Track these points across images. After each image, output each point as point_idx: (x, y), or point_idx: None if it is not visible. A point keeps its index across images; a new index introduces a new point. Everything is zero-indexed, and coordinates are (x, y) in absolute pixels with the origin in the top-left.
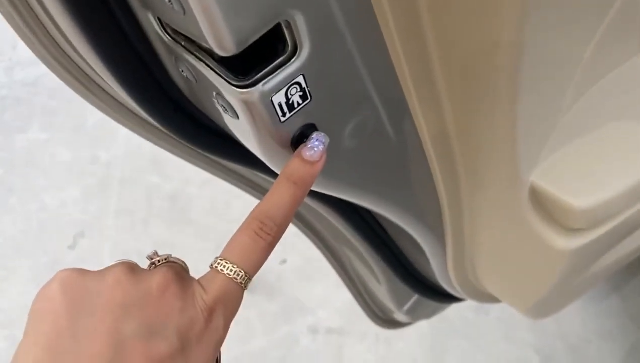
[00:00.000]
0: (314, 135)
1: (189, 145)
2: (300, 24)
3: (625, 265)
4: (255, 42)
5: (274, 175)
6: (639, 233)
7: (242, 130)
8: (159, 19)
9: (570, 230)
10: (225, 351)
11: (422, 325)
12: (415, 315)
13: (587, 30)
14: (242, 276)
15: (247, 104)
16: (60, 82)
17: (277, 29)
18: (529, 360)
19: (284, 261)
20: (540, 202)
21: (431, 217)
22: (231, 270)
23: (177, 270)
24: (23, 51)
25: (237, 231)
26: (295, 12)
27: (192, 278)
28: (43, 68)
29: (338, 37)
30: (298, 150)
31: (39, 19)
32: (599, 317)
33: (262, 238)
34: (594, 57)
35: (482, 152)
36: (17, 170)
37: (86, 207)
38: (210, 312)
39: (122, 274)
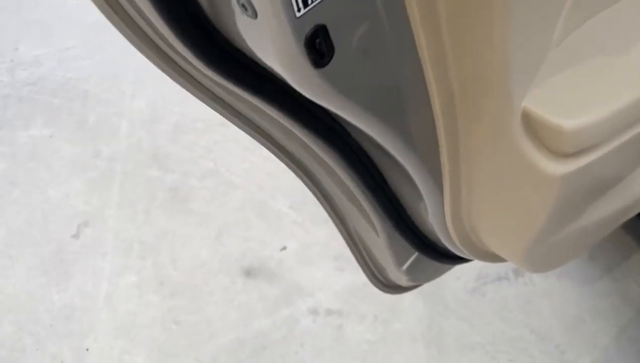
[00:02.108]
0: None
1: (203, 64)
2: None
3: (616, 248)
4: None
5: (276, 105)
6: (623, 188)
7: (260, 32)
8: None
9: (560, 155)
10: (226, 333)
11: (418, 307)
12: (415, 275)
13: None
14: None
15: None
16: (62, 81)
17: None
18: (525, 339)
19: (284, 248)
20: (531, 126)
21: (429, 152)
22: None
23: None
24: (25, 52)
25: None
26: None
27: None
28: (44, 69)
29: None
30: None
31: None
32: (592, 298)
33: None
34: None
35: (477, 76)
36: (21, 164)
37: (89, 199)
38: None
39: None
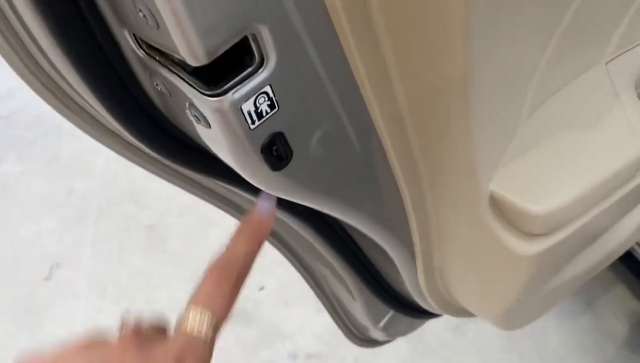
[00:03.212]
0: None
1: (162, 158)
2: (266, 36)
3: (597, 282)
4: (225, 55)
5: (242, 187)
6: (600, 244)
7: (215, 139)
8: (134, 36)
9: (530, 235)
10: None
11: (400, 347)
12: (392, 331)
13: (538, 45)
14: (208, 322)
15: (218, 112)
16: (36, 114)
17: (245, 41)
18: None
19: (261, 288)
20: (500, 209)
21: (400, 227)
22: (197, 320)
23: (141, 336)
24: None
25: (201, 278)
26: (261, 26)
27: (156, 342)
28: (18, 102)
29: (302, 49)
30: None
31: (16, 33)
32: (574, 334)
33: (225, 282)
34: (548, 71)
35: (443, 164)
36: None
37: (62, 238)
38: None
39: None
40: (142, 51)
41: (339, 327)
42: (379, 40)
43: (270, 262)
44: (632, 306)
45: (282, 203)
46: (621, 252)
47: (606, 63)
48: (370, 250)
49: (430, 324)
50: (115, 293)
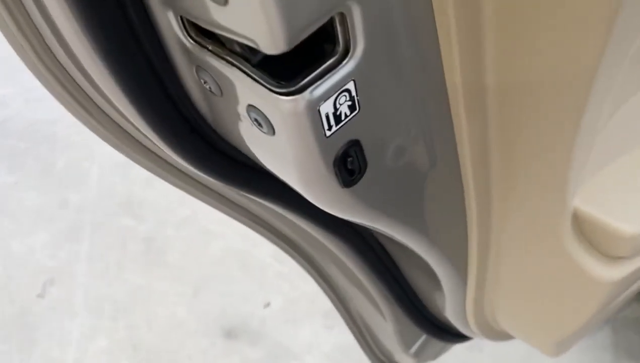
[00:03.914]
0: None
1: (203, 173)
2: (357, 16)
3: None
4: (301, 42)
5: (293, 208)
6: None
7: (277, 149)
8: (182, 19)
9: (615, 258)
10: None
11: None
12: (422, 357)
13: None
14: None
15: (291, 115)
16: (28, 123)
17: (326, 25)
18: None
19: (268, 304)
20: (583, 228)
21: (457, 250)
22: None
23: None
24: None
25: None
26: (353, 3)
27: None
28: (10, 110)
29: (395, 39)
30: None
31: (36, 28)
32: (593, 351)
33: None
34: (624, 77)
35: (528, 178)
36: None
37: (56, 253)
38: None
39: None
40: (189, 40)
41: (363, 349)
42: (484, 44)
43: (276, 276)
44: None
45: (315, 215)
46: None
47: None
48: (409, 270)
49: None
50: (113, 311)
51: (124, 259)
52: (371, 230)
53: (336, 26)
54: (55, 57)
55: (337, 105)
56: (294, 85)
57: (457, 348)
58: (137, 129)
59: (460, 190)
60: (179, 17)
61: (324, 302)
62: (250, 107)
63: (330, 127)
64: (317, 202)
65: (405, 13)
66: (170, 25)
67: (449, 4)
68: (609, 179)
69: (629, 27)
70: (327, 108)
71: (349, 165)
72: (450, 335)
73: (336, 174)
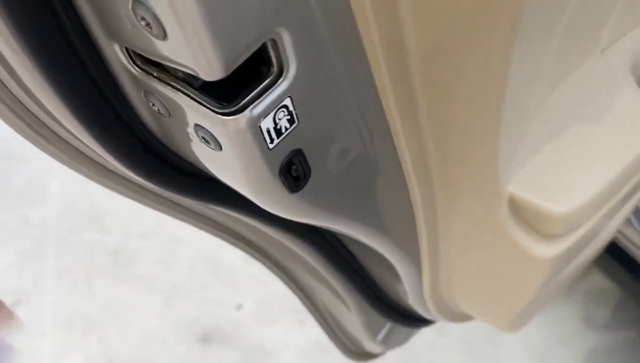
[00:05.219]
0: None
1: (160, 187)
2: (287, 41)
3: None
4: (238, 66)
5: (250, 213)
6: (599, 237)
7: (226, 163)
8: (127, 50)
9: (551, 237)
10: None
11: (388, 355)
12: (389, 343)
13: (544, 39)
14: None
15: (234, 132)
16: None
17: (261, 50)
18: None
19: (240, 306)
20: (519, 211)
21: (408, 239)
22: None
23: None
24: None
25: None
26: (282, 29)
27: None
28: None
29: (325, 56)
30: None
31: None
32: (556, 325)
33: None
34: (551, 64)
35: (462, 168)
36: None
37: (21, 272)
38: None
39: None
40: (135, 68)
41: (332, 340)
42: (407, 51)
43: (246, 278)
44: (609, 291)
45: (272, 219)
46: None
47: (602, 52)
48: (369, 262)
49: None
50: (85, 326)
51: (92, 273)
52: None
53: (269, 50)
54: (7, 88)
55: (277, 120)
56: (234, 106)
57: (427, 334)
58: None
59: (404, 183)
60: (124, 48)
61: (296, 300)
62: (197, 126)
63: (272, 140)
64: (269, 208)
65: (330, 30)
66: (116, 54)
67: (369, 14)
68: (542, 163)
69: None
70: (267, 124)
71: (293, 172)
72: (414, 320)
73: (282, 182)
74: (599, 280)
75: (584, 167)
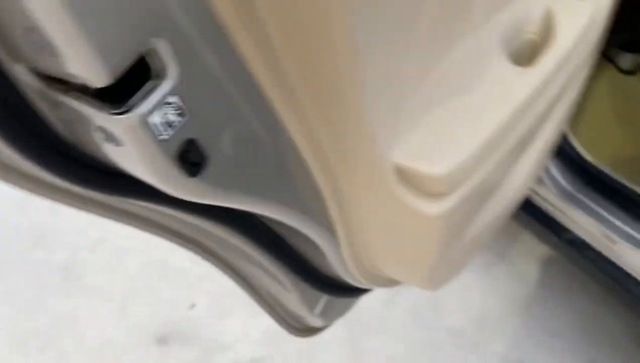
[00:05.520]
0: None
1: (80, 187)
2: (164, 49)
3: (506, 233)
4: (128, 71)
5: (171, 205)
6: (500, 195)
7: (128, 156)
8: (31, 70)
9: (437, 196)
10: None
11: (338, 332)
12: (329, 315)
13: (409, 22)
14: None
15: (127, 129)
16: None
17: (145, 56)
18: (441, 339)
19: (193, 305)
20: (406, 177)
21: (319, 212)
22: None
23: None
24: None
25: None
26: (158, 40)
27: None
28: None
29: (201, 57)
30: None
31: None
32: (492, 284)
33: None
34: (423, 45)
35: (348, 142)
36: None
37: None
38: None
39: None
40: (40, 83)
41: (277, 321)
42: (268, 34)
43: (197, 278)
44: (539, 250)
45: (199, 209)
46: (519, 200)
47: (476, 30)
48: (295, 239)
49: (364, 303)
50: (41, 345)
51: (43, 292)
52: (256, 216)
53: (150, 57)
54: None
55: (166, 115)
56: (123, 107)
57: (375, 309)
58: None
59: (303, 160)
60: (29, 68)
61: None
62: (99, 128)
63: (162, 133)
64: (176, 193)
65: (200, 34)
66: (20, 72)
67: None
68: (422, 133)
69: None
70: (155, 119)
71: (190, 159)
72: (347, 290)
73: (181, 168)
74: (528, 240)
75: (459, 132)
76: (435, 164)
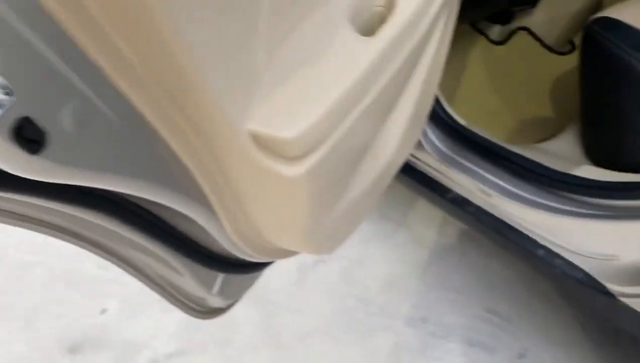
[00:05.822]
0: None
1: None
2: None
3: (403, 201)
4: None
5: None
6: (372, 157)
7: None
8: None
9: (294, 159)
10: None
11: (251, 315)
12: (229, 293)
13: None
14: None
15: None
16: None
17: None
18: (353, 309)
19: (104, 310)
20: (263, 144)
21: (190, 187)
22: None
23: None
24: None
25: None
26: None
27: None
28: None
29: (20, 32)
30: None
31: None
32: (395, 251)
33: None
34: (268, 22)
35: (196, 116)
36: None
37: None
38: None
39: None
40: None
41: (181, 308)
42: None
43: (105, 283)
44: (434, 214)
45: (62, 194)
46: (398, 164)
47: (325, 5)
48: (177, 220)
49: (274, 284)
50: None
51: None
52: (131, 199)
53: None
54: None
55: None
56: None
57: (285, 287)
58: None
59: (156, 132)
60: None
61: None
62: None
63: None
64: (21, 173)
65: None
66: None
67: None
68: (275, 102)
69: None
70: None
71: (27, 136)
72: (239, 266)
73: (20, 145)
74: (424, 207)
75: (307, 98)
76: (285, 128)
